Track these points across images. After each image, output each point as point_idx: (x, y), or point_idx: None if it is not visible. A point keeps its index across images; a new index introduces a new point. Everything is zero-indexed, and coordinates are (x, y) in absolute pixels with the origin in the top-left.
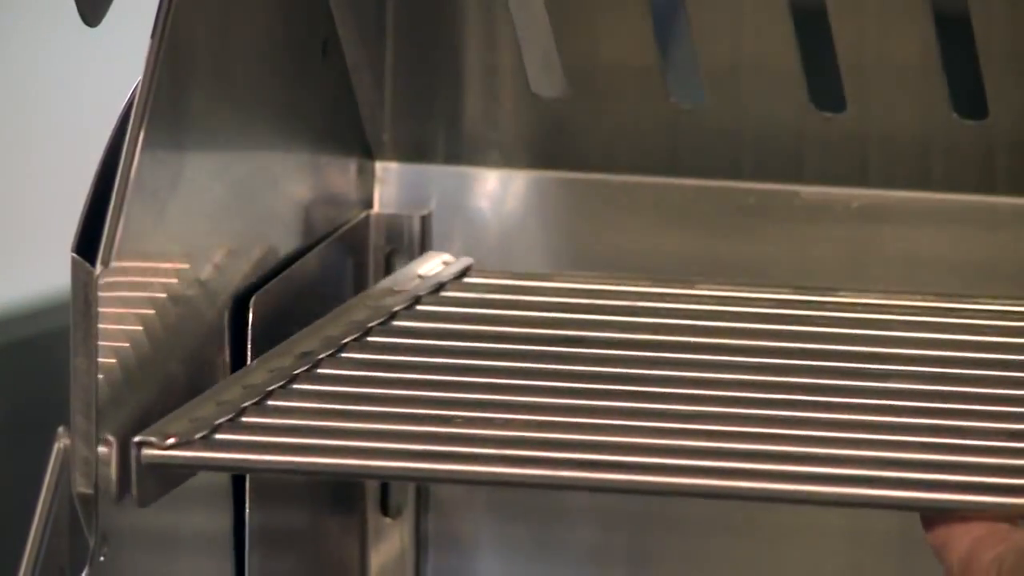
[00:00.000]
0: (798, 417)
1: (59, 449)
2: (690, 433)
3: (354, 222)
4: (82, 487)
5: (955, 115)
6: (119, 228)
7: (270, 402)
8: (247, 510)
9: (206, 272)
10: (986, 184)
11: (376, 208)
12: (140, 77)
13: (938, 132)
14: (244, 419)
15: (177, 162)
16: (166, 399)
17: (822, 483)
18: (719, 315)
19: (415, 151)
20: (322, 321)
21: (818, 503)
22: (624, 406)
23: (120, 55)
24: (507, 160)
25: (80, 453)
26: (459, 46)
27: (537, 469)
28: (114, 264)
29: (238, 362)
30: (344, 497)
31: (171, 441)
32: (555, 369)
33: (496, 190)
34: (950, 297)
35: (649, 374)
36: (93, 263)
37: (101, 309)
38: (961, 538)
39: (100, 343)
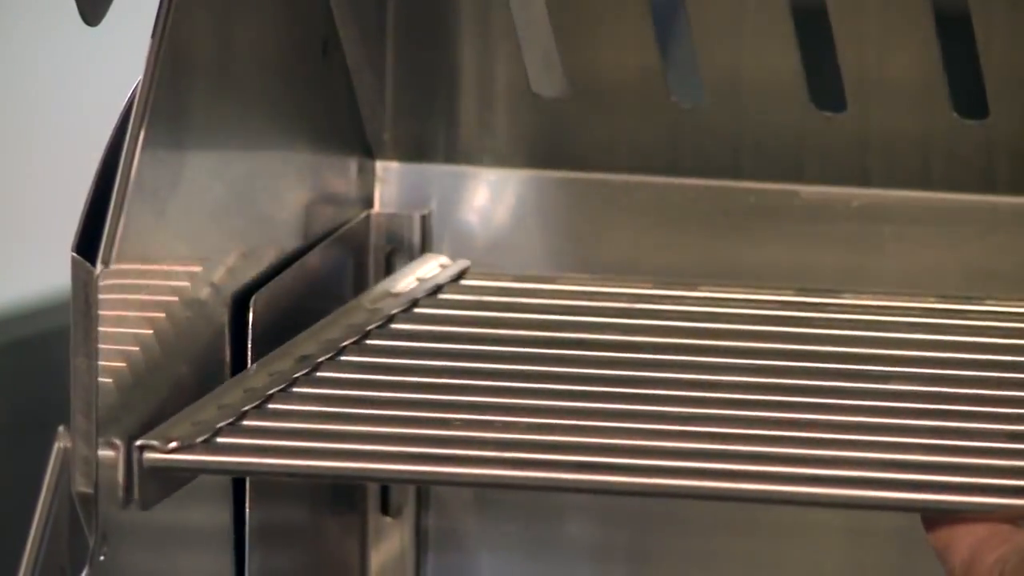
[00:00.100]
0: (799, 419)
1: (59, 449)
2: (691, 435)
3: (354, 221)
4: (82, 486)
5: (955, 115)
6: (119, 228)
7: (271, 405)
8: (247, 509)
9: (206, 271)
10: (986, 184)
11: (376, 208)
12: (140, 77)
13: (938, 132)
14: (245, 422)
15: (177, 162)
16: (171, 401)
17: (824, 485)
18: (719, 317)
19: (416, 151)
20: (320, 324)
21: (820, 505)
22: (624, 408)
23: (120, 55)
24: (507, 160)
25: (80, 453)
26: (460, 46)
27: (537, 471)
28: (114, 264)
29: (238, 361)
30: (345, 497)
31: (173, 445)
32: (554, 371)
33: (496, 190)
34: (950, 299)
35: (649, 376)
36: (93, 263)
37: (101, 309)
38: (963, 540)
39: (101, 344)
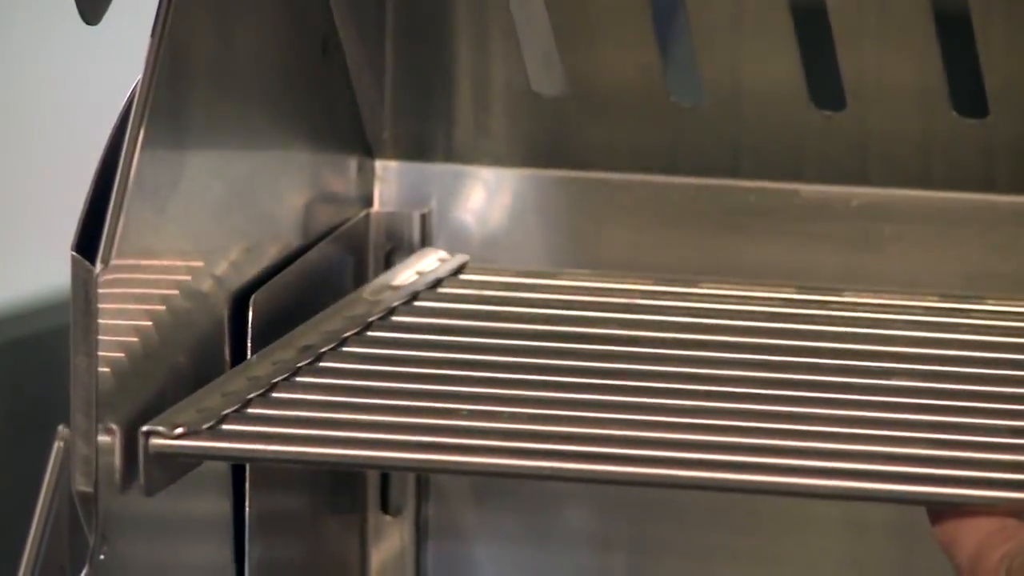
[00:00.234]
0: (801, 413)
1: (59, 448)
2: (691, 427)
3: (354, 220)
4: (82, 485)
5: (955, 115)
6: (119, 227)
7: (275, 394)
8: (247, 500)
9: (206, 270)
10: (986, 184)
11: (376, 206)
12: (140, 76)
13: (938, 131)
14: (250, 410)
15: (177, 160)
16: (169, 390)
17: (826, 476)
18: (721, 312)
19: (415, 149)
20: (321, 316)
21: (823, 496)
22: (623, 400)
23: (120, 55)
24: (507, 159)
25: (80, 451)
26: (459, 45)
27: (540, 461)
28: (114, 263)
29: (238, 360)
30: (345, 494)
31: (179, 431)
32: (553, 364)
33: (495, 189)
34: (951, 297)
35: (649, 369)
36: (93, 262)
37: (101, 307)
38: (969, 535)
39: (101, 341)
